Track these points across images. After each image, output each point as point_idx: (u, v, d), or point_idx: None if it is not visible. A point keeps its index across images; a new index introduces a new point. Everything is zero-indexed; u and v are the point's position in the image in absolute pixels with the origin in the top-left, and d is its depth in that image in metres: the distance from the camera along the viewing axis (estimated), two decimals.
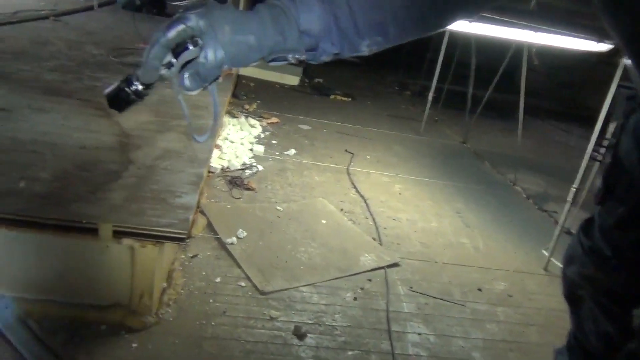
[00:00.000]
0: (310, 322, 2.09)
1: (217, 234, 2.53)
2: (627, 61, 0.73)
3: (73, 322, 1.77)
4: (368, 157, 4.25)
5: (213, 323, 1.95)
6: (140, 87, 0.77)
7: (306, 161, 3.83)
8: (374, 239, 2.85)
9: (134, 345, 1.75)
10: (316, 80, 6.73)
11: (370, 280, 2.47)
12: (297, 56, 0.81)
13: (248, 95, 5.23)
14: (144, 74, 0.75)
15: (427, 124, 5.34)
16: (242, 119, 4.32)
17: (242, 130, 4.05)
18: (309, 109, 5.28)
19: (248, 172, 3.38)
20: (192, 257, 2.33)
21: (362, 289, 2.39)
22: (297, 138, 4.33)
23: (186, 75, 0.73)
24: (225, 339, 1.89)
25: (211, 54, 0.72)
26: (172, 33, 0.71)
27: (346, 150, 4.25)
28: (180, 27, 0.71)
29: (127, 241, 1.71)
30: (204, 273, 2.24)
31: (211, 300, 2.07)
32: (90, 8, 5.50)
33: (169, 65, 0.74)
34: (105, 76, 3.25)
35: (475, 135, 5.36)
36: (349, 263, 2.54)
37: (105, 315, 1.80)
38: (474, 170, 4.56)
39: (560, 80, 8.25)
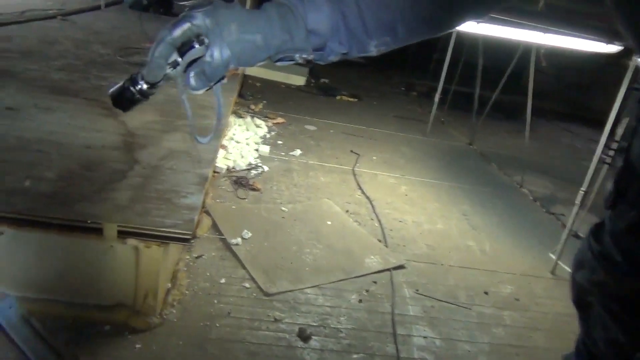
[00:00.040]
0: (314, 324, 2.08)
1: (222, 235, 2.52)
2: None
3: (77, 321, 1.77)
4: (374, 158, 4.23)
5: (217, 324, 1.95)
6: (145, 86, 0.75)
7: (312, 162, 3.82)
8: (380, 241, 2.84)
9: (138, 346, 1.75)
10: (322, 80, 6.72)
11: (375, 282, 2.45)
12: (304, 56, 0.80)
13: (254, 96, 5.24)
14: (149, 73, 0.74)
15: (433, 125, 5.32)
16: (248, 119, 4.32)
17: (247, 130, 4.05)
18: (315, 109, 5.28)
19: (253, 172, 3.37)
20: (196, 257, 2.32)
21: (367, 291, 2.37)
22: (303, 138, 4.33)
23: (192, 74, 0.72)
24: (229, 341, 1.88)
25: (217, 53, 0.71)
26: (177, 31, 0.70)
27: (352, 151, 4.24)
28: (186, 25, 0.70)
29: (131, 241, 1.71)
30: (208, 274, 2.23)
31: (216, 301, 2.07)
32: (98, 7, 5.55)
33: (175, 64, 0.73)
34: (111, 75, 3.26)
35: (481, 137, 5.32)
36: (354, 265, 2.53)
37: (109, 316, 1.80)
38: (480, 172, 4.53)
39: (568, 82, 8.21)
